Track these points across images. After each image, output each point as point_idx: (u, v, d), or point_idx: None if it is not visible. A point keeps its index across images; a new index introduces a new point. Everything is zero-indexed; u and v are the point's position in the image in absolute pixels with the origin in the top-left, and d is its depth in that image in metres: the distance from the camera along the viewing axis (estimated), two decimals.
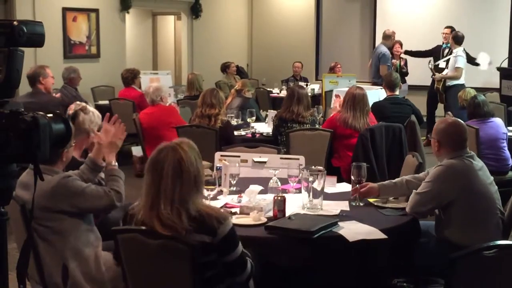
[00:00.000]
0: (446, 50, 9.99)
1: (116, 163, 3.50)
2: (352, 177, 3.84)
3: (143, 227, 2.75)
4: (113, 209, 3.38)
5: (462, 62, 9.54)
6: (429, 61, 10.02)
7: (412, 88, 10.62)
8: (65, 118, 1.69)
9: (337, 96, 6.79)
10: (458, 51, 9.59)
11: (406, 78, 10.51)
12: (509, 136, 6.34)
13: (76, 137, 3.82)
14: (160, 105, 6.94)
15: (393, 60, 10.25)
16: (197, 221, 2.69)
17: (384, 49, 10.09)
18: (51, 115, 1.65)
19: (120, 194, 3.34)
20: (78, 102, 4.08)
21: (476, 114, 6.28)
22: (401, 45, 10.54)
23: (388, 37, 10.25)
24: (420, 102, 10.23)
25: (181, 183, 2.70)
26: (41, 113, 1.60)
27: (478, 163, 3.65)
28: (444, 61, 9.86)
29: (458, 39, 9.65)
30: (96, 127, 3.91)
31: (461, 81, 9.56)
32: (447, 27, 10.14)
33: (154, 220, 2.69)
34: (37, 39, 1.67)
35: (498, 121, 6.32)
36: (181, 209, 2.68)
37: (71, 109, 3.96)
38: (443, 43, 10.14)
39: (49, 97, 6.47)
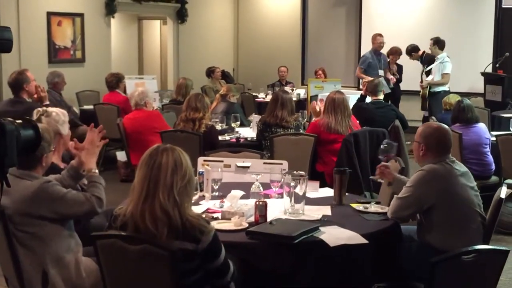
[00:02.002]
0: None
1: (97, 170, 3.49)
2: (380, 157, 4.01)
3: (123, 233, 2.74)
4: (94, 215, 3.36)
5: (449, 67, 9.55)
6: (423, 69, 10.00)
7: (406, 93, 10.64)
8: (34, 124, 1.67)
9: (320, 100, 6.80)
10: (444, 57, 9.60)
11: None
12: (492, 141, 6.38)
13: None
14: (143, 110, 6.92)
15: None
16: (182, 227, 2.69)
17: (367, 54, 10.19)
18: (20, 121, 1.63)
19: (101, 200, 3.32)
20: (38, 109, 4.04)
21: (460, 119, 6.31)
22: (399, 54, 10.52)
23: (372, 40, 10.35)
24: (412, 106, 10.31)
25: (179, 178, 2.72)
26: (9, 119, 1.58)
27: (460, 168, 3.66)
28: (428, 70, 9.82)
29: (441, 44, 9.65)
30: (65, 124, 3.89)
31: (446, 87, 9.57)
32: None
33: (146, 213, 2.68)
34: (5, 45, 1.65)
35: (481, 126, 6.35)
36: (178, 201, 2.70)
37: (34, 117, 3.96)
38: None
39: (27, 105, 6.33)
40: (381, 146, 4.08)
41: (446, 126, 3.83)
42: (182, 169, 2.74)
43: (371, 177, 4.15)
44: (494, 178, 6.29)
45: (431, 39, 9.74)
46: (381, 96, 7.18)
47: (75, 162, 3.45)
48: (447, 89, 9.52)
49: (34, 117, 3.96)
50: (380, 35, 10.25)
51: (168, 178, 2.71)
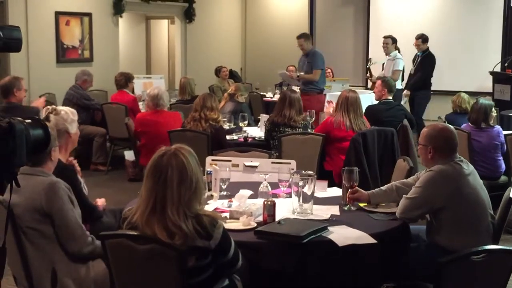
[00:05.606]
0: (419, 59, 10.05)
1: None
2: (344, 182, 3.83)
3: (134, 232, 2.73)
4: (77, 253, 3.26)
5: (401, 64, 9.62)
6: (369, 60, 10.06)
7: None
8: (44, 123, 1.67)
9: (329, 102, 6.78)
10: (396, 54, 9.69)
11: None
12: (501, 140, 6.31)
13: (58, 139, 3.79)
14: (164, 111, 6.91)
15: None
16: (195, 229, 2.70)
17: None
18: (29, 120, 1.63)
19: (95, 248, 3.24)
20: (48, 107, 4.05)
21: (471, 119, 6.26)
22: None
23: None
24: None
25: (186, 188, 2.71)
26: (18, 118, 1.58)
27: (468, 168, 3.63)
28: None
29: (394, 41, 9.80)
30: (73, 123, 3.86)
31: (398, 85, 9.36)
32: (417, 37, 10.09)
33: (155, 225, 2.68)
34: (14, 44, 1.64)
35: (494, 130, 6.26)
36: (188, 213, 2.70)
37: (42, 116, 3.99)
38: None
39: (25, 110, 6.35)
40: (344, 175, 3.81)
41: (450, 126, 3.80)
42: (188, 178, 2.72)
43: (344, 207, 3.78)
44: (503, 178, 6.24)
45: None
46: (391, 96, 7.11)
47: None
48: (400, 87, 9.50)
49: (43, 115, 3.97)
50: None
51: (175, 193, 2.69)
